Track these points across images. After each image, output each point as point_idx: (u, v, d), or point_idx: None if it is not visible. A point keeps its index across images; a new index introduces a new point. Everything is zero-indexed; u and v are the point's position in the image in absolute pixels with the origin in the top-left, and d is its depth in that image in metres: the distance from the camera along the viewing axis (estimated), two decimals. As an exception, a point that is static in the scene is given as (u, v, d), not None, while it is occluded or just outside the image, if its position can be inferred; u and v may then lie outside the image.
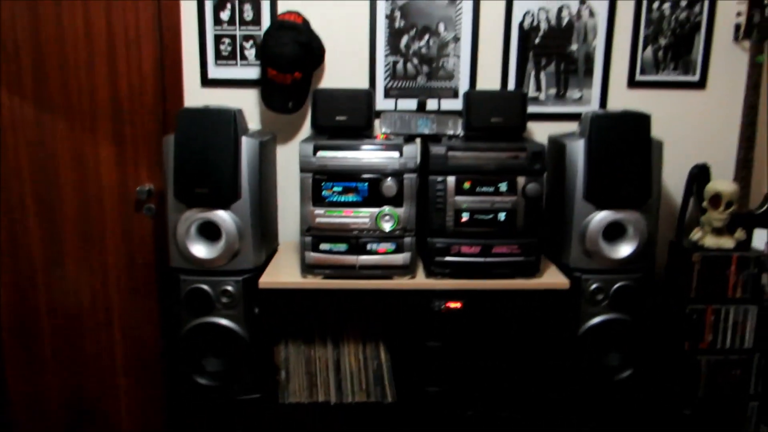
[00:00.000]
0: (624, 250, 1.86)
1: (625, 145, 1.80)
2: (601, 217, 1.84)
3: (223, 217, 1.83)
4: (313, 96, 1.93)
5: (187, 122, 1.79)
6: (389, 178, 1.75)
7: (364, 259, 1.79)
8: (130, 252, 2.28)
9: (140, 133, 2.19)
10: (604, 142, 1.79)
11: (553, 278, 1.84)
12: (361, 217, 1.77)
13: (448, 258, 1.79)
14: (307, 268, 1.81)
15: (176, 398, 2.00)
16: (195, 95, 2.14)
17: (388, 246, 1.78)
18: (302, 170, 1.76)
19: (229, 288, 1.86)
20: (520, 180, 1.76)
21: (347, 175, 1.76)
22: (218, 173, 1.80)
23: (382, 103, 2.13)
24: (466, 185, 1.76)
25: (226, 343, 1.91)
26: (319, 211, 1.77)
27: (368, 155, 1.75)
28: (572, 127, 1.99)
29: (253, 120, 2.16)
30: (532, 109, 2.12)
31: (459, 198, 1.77)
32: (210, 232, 1.86)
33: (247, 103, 2.12)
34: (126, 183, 2.22)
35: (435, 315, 1.82)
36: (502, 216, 1.77)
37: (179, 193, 1.82)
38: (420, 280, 1.82)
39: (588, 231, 1.84)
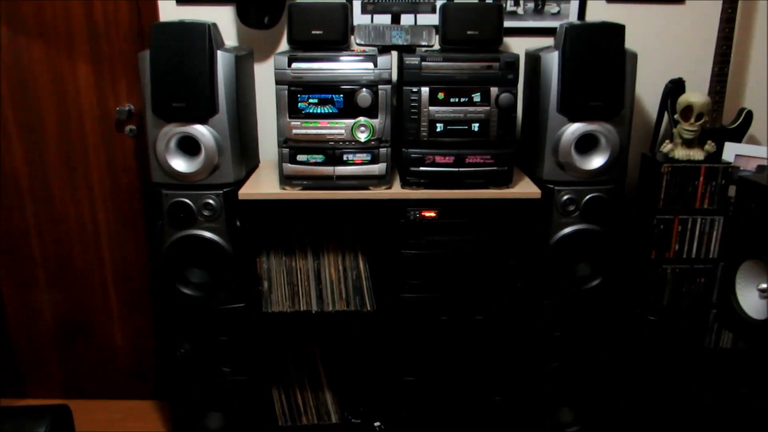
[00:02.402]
0: (596, 161, 1.90)
1: (599, 56, 1.81)
2: (573, 128, 1.87)
3: (201, 131, 1.85)
4: (288, 10, 1.92)
5: (161, 37, 1.80)
6: (364, 89, 1.77)
7: (341, 169, 1.83)
8: (114, 173, 2.32)
9: (117, 54, 2.19)
10: (578, 53, 1.81)
11: (525, 189, 1.89)
12: (337, 128, 1.80)
13: (422, 168, 1.83)
14: (286, 180, 1.85)
15: (162, 309, 2.07)
16: (171, 13, 2.13)
17: (364, 156, 1.82)
18: (277, 82, 1.78)
19: (211, 201, 1.91)
20: (494, 90, 1.79)
21: (322, 87, 1.78)
22: (194, 87, 1.81)
23: (359, 18, 2.12)
24: (440, 96, 1.78)
25: (209, 255, 1.97)
26: (295, 122, 1.80)
27: (343, 66, 1.77)
28: (549, 41, 2.00)
29: (230, 37, 2.16)
30: (509, 23, 2.12)
31: (433, 109, 1.79)
32: (190, 146, 1.89)
33: (224, 20, 2.11)
34: (106, 104, 2.23)
35: (410, 224, 1.88)
36: (475, 126, 1.81)
37: (157, 108, 1.84)
38: (396, 190, 1.86)
39: (561, 143, 1.88)
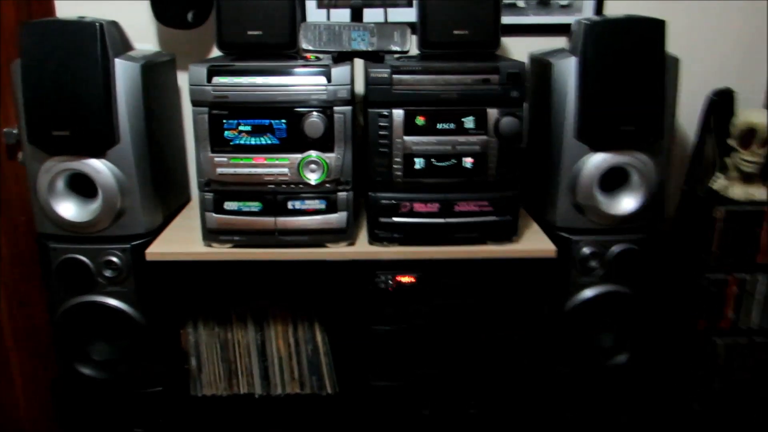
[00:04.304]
0: (626, 203, 1.44)
1: (631, 63, 1.34)
2: (597, 160, 1.40)
3: (95, 167, 1.37)
4: (216, 4, 1.42)
5: (34, 41, 1.31)
6: (314, 113, 1.28)
7: (286, 221, 1.34)
8: (9, 210, 1.80)
9: (4, 61, 1.67)
10: (604, 59, 1.34)
11: (534, 243, 1.41)
12: (278, 165, 1.31)
13: (396, 219, 1.35)
14: (211, 234, 1.36)
15: (62, 393, 1.59)
16: (70, 11, 1.62)
17: (316, 204, 1.33)
18: (194, 103, 1.29)
19: (113, 259, 1.43)
20: (492, 113, 1.30)
21: (257, 110, 1.29)
22: (82, 109, 1.32)
23: (314, 14, 1.64)
24: (420, 120, 1.30)
25: (115, 326, 1.49)
26: (220, 158, 1.31)
27: (284, 81, 1.27)
28: (559, 42, 1.52)
29: (149, 40, 1.66)
30: (508, 19, 1.64)
31: (409, 139, 1.31)
32: (88, 186, 1.40)
33: (141, 19, 1.61)
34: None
35: (382, 293, 1.40)
36: (467, 162, 1.33)
37: (34, 137, 1.36)
38: (361, 248, 1.38)
39: (580, 179, 1.41)
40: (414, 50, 1.43)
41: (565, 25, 1.54)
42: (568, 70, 1.38)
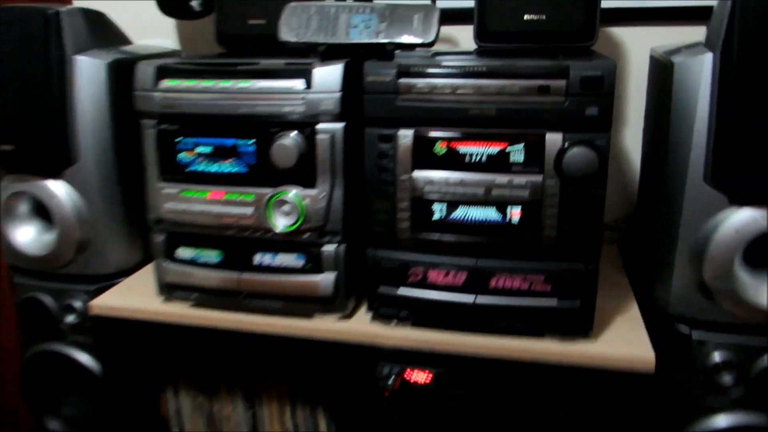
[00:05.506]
0: (788, 291, 0.87)
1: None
2: (741, 220, 0.87)
3: (48, 191, 1.10)
4: (215, -14, 1.10)
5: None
6: (291, 133, 0.89)
7: (252, 279, 0.96)
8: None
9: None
10: (760, 57, 0.79)
11: (621, 343, 0.90)
12: (240, 203, 0.93)
13: (403, 290, 0.91)
14: (166, 288, 1.03)
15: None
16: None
17: (291, 259, 0.94)
18: (141, 114, 0.96)
19: (74, 303, 1.15)
20: (553, 140, 0.82)
21: (221, 125, 0.93)
22: (31, 118, 1.06)
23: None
24: (439, 148, 0.85)
25: (83, 382, 1.23)
26: (170, 189, 0.96)
27: (247, 86, 0.90)
28: (695, 34, 0.98)
29: (164, 33, 1.38)
30: (606, 2, 1.12)
31: (422, 175, 0.87)
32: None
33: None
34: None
35: (384, 392, 0.97)
36: (512, 215, 0.85)
37: (-20, 150, 1.11)
38: (358, 326, 0.97)
39: (711, 246, 0.88)
40: (471, 44, 0.99)
41: (703, 8, 1.00)
42: (697, 74, 0.86)
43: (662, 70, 0.98)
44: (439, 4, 1.15)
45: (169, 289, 1.01)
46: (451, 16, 1.18)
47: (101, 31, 1.15)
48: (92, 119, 1.08)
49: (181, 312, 1.01)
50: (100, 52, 1.09)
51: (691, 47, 0.93)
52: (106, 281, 1.15)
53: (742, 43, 0.82)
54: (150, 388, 1.24)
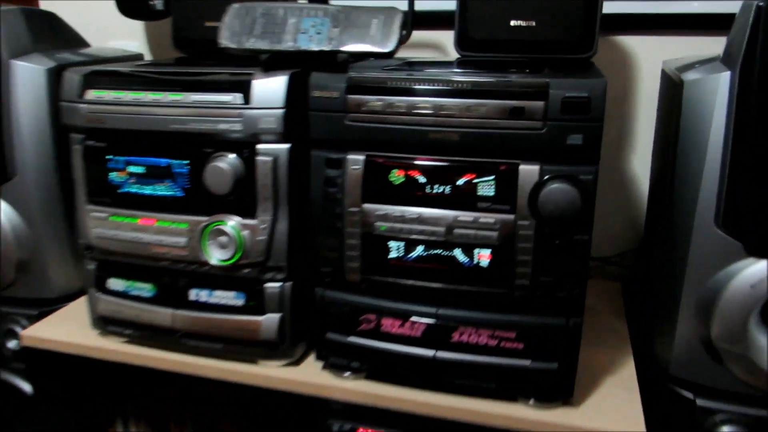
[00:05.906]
0: (815, 359, 0.72)
1: None
2: (757, 272, 0.71)
3: (-18, 207, 1.00)
4: (168, -16, 0.99)
5: None
6: (227, 156, 0.77)
7: (187, 317, 0.85)
8: None
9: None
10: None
11: (609, 413, 0.76)
12: (172, 232, 0.82)
13: (353, 339, 0.79)
14: (99, 321, 0.91)
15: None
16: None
17: (230, 297, 0.82)
18: (66, 127, 0.85)
19: (16, 328, 1.06)
20: (528, 172, 0.68)
21: (150, 144, 0.81)
22: (-39, 127, 0.96)
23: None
24: (395, 177, 0.72)
25: (25, 411, 1.13)
26: (98, 213, 0.85)
27: (183, 99, 0.78)
28: (714, 46, 0.83)
29: (129, 34, 1.28)
30: (612, 6, 0.98)
31: (373, 208, 0.74)
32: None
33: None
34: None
35: (334, 450, 0.84)
36: (481, 256, 0.72)
37: None
38: (306, 375, 0.84)
39: (722, 302, 0.74)
40: (451, 54, 0.86)
41: (724, 15, 0.86)
42: (711, 96, 0.72)
43: (672, 89, 0.84)
44: (425, 5, 1.02)
45: (102, 323, 0.90)
46: (437, 20, 1.05)
47: (50, 34, 1.05)
48: (31, 130, 0.98)
49: (115, 348, 0.90)
50: (41, 57, 0.98)
51: (705, 62, 0.79)
52: (49, 306, 1.05)
53: (766, 59, 0.67)
54: (96, 420, 1.14)
